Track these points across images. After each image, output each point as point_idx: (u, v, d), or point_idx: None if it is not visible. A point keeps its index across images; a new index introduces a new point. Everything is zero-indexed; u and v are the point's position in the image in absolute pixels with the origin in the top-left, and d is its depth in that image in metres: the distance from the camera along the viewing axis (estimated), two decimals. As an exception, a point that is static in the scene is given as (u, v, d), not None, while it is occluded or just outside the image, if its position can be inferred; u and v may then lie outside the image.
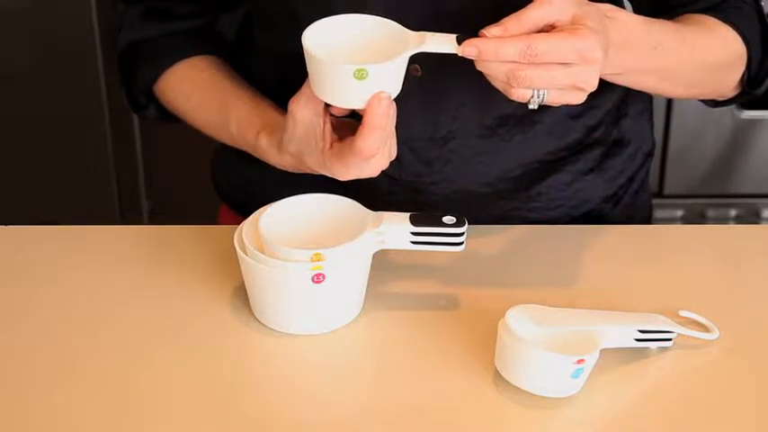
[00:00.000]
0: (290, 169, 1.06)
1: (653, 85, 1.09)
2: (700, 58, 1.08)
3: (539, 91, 0.91)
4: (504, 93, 0.93)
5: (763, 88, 1.15)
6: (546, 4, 0.91)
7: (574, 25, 0.90)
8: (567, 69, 0.90)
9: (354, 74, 0.90)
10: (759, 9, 1.14)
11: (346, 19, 0.96)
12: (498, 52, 0.89)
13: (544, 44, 0.89)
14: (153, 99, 1.21)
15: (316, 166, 1.00)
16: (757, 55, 1.12)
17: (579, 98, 0.93)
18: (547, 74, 0.90)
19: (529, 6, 0.91)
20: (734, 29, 1.10)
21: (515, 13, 0.91)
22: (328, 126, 0.99)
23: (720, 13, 1.11)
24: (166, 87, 1.18)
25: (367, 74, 0.90)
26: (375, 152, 0.94)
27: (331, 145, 0.98)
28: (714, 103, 1.19)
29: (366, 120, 0.92)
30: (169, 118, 1.22)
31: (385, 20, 0.95)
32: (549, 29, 0.91)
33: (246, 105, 1.11)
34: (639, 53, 0.99)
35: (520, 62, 0.89)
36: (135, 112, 1.24)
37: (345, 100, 0.93)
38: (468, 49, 0.90)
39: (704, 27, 1.09)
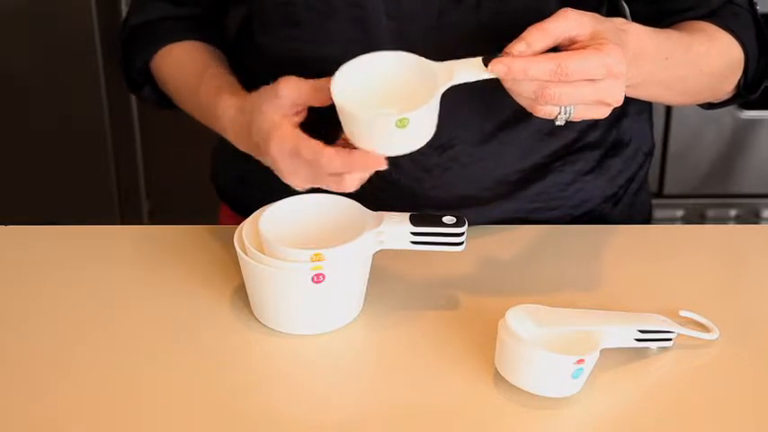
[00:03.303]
0: (237, 136, 1.04)
1: (658, 95, 1.09)
2: (703, 67, 1.08)
3: (566, 108, 0.91)
4: (530, 110, 0.92)
5: (757, 93, 1.16)
6: (563, 19, 0.91)
7: (596, 40, 0.90)
8: (594, 85, 0.90)
9: (396, 123, 0.89)
10: (755, 15, 1.15)
11: (370, 59, 0.94)
12: (528, 71, 0.89)
13: (574, 62, 0.88)
14: (149, 80, 1.22)
15: (264, 137, 0.98)
16: (754, 60, 1.13)
17: (604, 112, 0.93)
18: (575, 91, 0.90)
19: (550, 19, 0.91)
20: (733, 36, 1.11)
21: (536, 26, 0.90)
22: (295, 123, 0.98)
23: (719, 20, 1.11)
24: (158, 66, 1.20)
25: (408, 122, 0.90)
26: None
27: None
28: (709, 106, 1.20)
29: (357, 160, 0.92)
30: (165, 101, 1.23)
31: (407, 54, 0.94)
32: (568, 43, 0.91)
33: (219, 73, 1.11)
34: (652, 64, 0.99)
35: (550, 80, 0.89)
36: (132, 92, 1.26)
37: (389, 148, 0.92)
38: (498, 68, 0.89)
39: (705, 35, 1.09)
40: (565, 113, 0.92)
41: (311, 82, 0.97)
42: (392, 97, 0.94)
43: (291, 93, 0.97)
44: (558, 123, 0.92)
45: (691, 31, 1.08)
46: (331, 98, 0.93)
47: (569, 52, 0.90)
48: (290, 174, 0.97)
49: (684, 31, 1.07)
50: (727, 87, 1.14)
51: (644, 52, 0.98)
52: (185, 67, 1.17)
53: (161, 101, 1.23)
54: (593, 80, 0.90)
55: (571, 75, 0.89)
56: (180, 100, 1.19)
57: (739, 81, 1.14)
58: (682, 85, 1.08)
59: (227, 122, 1.05)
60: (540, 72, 0.89)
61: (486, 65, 0.90)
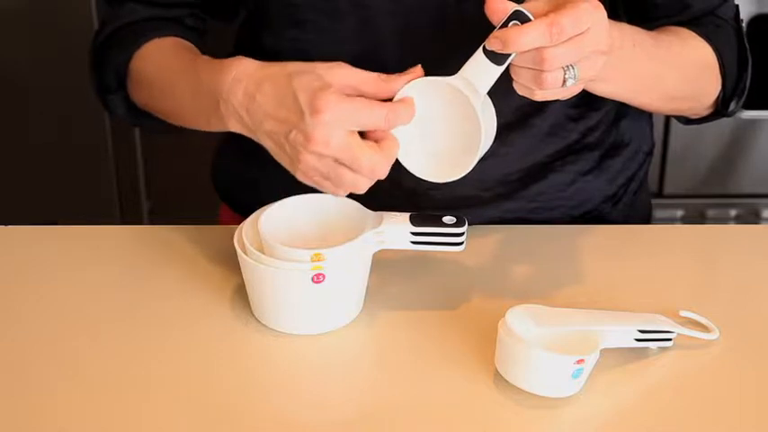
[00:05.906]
0: (256, 81, 0.97)
1: (631, 90, 1.07)
2: (678, 66, 1.07)
3: (569, 69, 0.90)
4: (536, 87, 0.91)
5: (732, 108, 1.15)
6: None
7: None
8: (587, 36, 0.89)
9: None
10: (739, 29, 1.15)
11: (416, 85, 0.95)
12: (520, 40, 0.87)
13: (566, 19, 0.87)
14: (123, 86, 1.17)
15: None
16: (732, 74, 1.12)
17: (602, 62, 0.92)
18: (573, 46, 0.89)
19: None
20: (708, 43, 1.10)
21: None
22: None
23: (697, 28, 1.11)
24: (142, 56, 1.14)
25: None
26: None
27: None
28: (686, 121, 1.20)
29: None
30: (133, 111, 1.18)
31: (430, 79, 0.94)
32: None
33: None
34: (621, 49, 0.99)
35: (546, 45, 0.88)
36: (101, 97, 1.20)
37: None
38: (493, 42, 0.89)
39: (678, 36, 1.10)
40: (570, 75, 0.90)
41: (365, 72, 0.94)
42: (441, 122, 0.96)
43: (346, 75, 0.94)
44: (569, 85, 0.90)
45: (663, 32, 1.08)
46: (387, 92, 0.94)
47: (559, 11, 0.88)
48: (330, 125, 0.91)
49: (656, 31, 1.07)
50: (705, 99, 1.14)
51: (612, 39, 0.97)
52: (176, 49, 1.12)
53: (129, 110, 1.18)
54: (584, 32, 0.89)
55: (567, 32, 0.88)
56: (165, 80, 1.11)
57: (718, 97, 1.13)
58: (655, 83, 1.07)
59: (243, 69, 0.97)
60: (534, 37, 0.87)
61: (486, 51, 0.90)
